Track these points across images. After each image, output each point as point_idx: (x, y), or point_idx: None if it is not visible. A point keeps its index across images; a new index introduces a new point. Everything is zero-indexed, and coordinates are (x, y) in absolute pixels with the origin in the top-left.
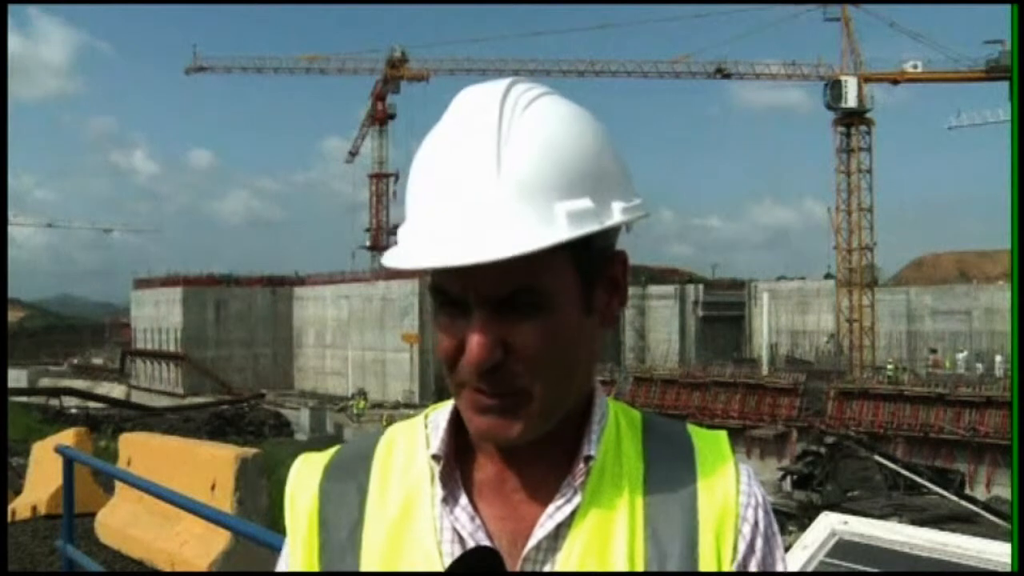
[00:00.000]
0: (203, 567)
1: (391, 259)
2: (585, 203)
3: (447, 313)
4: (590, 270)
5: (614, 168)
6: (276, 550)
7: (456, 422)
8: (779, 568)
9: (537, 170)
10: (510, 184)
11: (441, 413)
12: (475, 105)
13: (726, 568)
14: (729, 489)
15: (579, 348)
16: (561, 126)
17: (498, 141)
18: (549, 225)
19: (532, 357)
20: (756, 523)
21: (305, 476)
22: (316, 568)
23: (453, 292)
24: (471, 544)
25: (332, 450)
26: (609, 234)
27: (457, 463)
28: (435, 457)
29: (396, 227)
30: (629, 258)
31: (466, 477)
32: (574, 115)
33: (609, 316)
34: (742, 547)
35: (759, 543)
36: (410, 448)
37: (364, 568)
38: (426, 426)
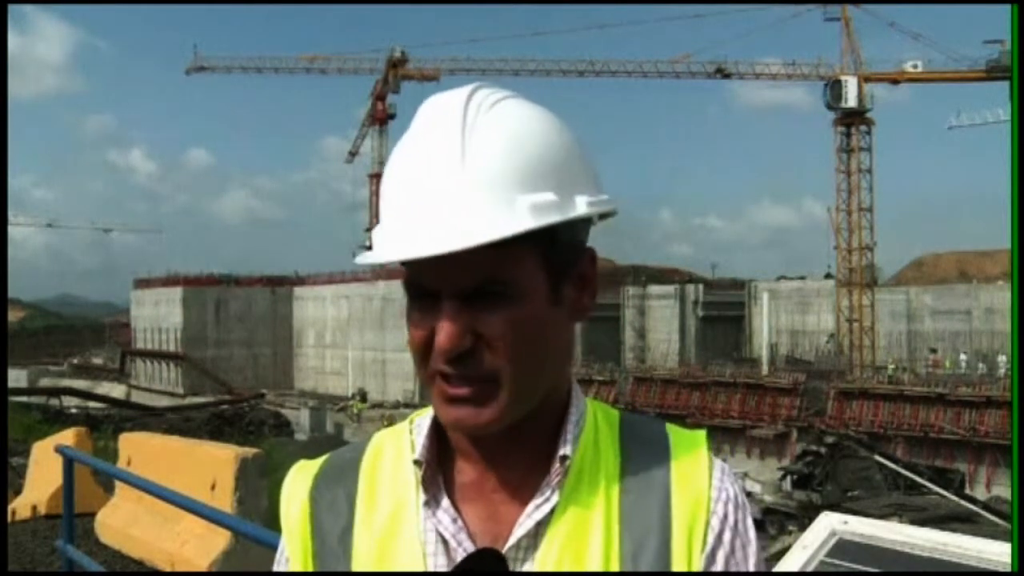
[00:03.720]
0: (203, 567)
1: (361, 257)
2: (548, 196)
3: (419, 306)
4: (557, 264)
5: (578, 165)
6: (276, 550)
7: (437, 426)
8: (750, 562)
9: (500, 163)
10: (473, 176)
11: (425, 418)
12: (440, 108)
13: (696, 560)
14: (701, 484)
15: (546, 338)
16: (525, 123)
17: (462, 137)
18: (511, 216)
19: (500, 344)
20: (725, 516)
21: (297, 484)
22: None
23: (425, 284)
24: (454, 546)
25: (323, 458)
26: (576, 230)
27: (439, 467)
28: (416, 463)
29: None
30: (597, 255)
31: (448, 480)
32: (538, 114)
33: (579, 311)
34: (711, 539)
35: (727, 536)
36: (397, 454)
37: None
38: (411, 431)
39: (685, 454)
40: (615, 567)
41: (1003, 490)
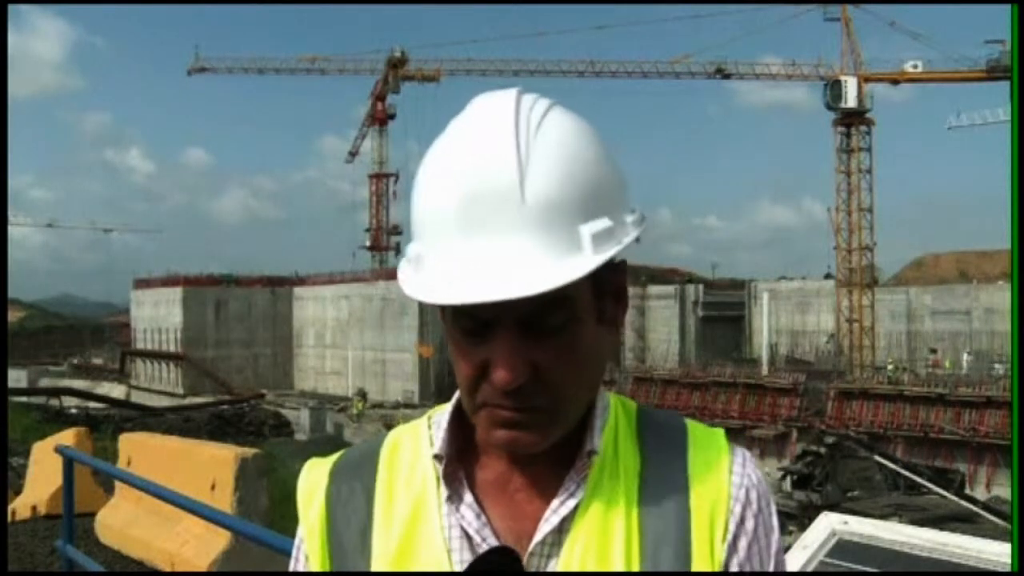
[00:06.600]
0: (203, 567)
1: (416, 291)
2: (604, 223)
3: (468, 334)
4: (601, 281)
5: (619, 180)
6: (276, 550)
7: (456, 421)
8: (772, 549)
9: (560, 194)
10: (536, 210)
11: (444, 414)
12: (487, 120)
13: (718, 548)
14: (721, 472)
15: (596, 358)
16: (575, 143)
17: (519, 162)
18: (576, 251)
19: (557, 374)
20: (748, 502)
21: (314, 480)
22: (328, 571)
23: (477, 313)
24: (478, 542)
25: (338, 453)
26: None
27: (460, 462)
28: (437, 457)
29: (396, 227)
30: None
31: (470, 476)
32: (582, 129)
33: (616, 323)
34: (732, 525)
35: (749, 522)
36: (415, 449)
37: (375, 570)
38: (429, 427)
39: (703, 444)
40: (636, 564)
41: (1003, 490)
